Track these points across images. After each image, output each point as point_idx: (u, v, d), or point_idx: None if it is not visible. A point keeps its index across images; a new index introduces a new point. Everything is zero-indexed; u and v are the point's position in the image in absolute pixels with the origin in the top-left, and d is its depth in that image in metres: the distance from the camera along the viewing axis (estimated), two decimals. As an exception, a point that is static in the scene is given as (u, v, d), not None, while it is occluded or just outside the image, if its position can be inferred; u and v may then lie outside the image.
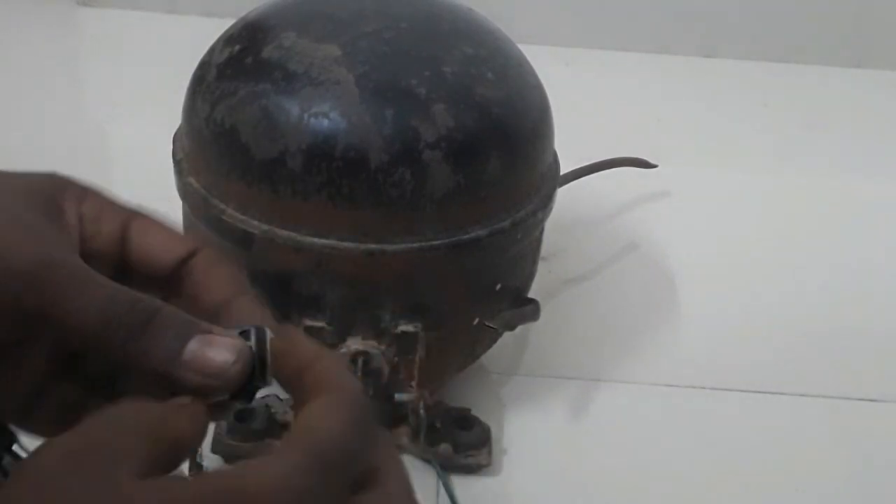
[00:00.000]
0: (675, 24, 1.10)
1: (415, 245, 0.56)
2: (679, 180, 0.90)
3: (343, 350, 0.57)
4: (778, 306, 0.78)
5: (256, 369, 0.33)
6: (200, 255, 0.36)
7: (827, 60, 1.09)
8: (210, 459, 0.59)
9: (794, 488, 0.64)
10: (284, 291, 0.58)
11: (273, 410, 0.61)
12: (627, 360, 0.73)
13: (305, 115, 0.55)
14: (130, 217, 0.36)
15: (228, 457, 0.60)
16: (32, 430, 0.35)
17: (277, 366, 0.33)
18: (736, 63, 1.09)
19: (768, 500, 0.64)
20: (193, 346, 0.33)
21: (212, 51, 0.60)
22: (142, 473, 0.31)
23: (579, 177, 0.80)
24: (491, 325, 0.61)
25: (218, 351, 0.33)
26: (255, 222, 0.56)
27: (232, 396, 0.33)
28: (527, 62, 0.62)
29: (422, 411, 0.60)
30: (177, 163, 0.61)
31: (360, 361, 0.57)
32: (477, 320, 0.61)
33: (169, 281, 0.36)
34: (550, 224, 0.64)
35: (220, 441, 0.60)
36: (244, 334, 0.33)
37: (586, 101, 0.95)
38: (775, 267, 0.82)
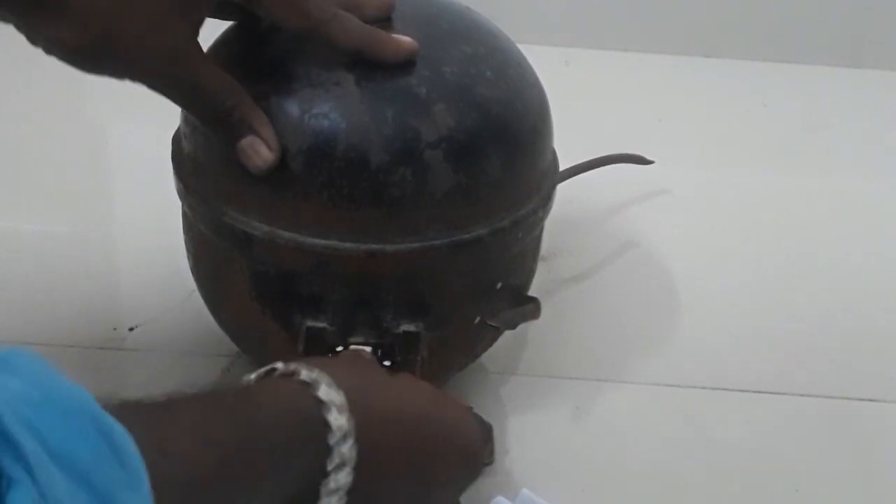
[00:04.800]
0: (675, 24, 1.10)
1: (416, 245, 0.56)
2: (679, 180, 0.90)
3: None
4: (778, 306, 0.78)
5: None
6: None
7: (827, 60, 1.09)
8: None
9: (793, 488, 0.64)
10: (285, 292, 0.58)
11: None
12: (627, 360, 0.73)
13: (306, 116, 0.55)
14: None
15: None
16: None
17: None
18: (736, 63, 1.09)
19: (768, 500, 0.64)
20: None
21: (211, 52, 0.60)
22: None
23: (576, 174, 0.80)
24: (492, 323, 0.61)
25: None
26: (256, 223, 0.56)
27: None
28: (526, 61, 0.62)
29: (422, 411, 0.60)
30: (177, 163, 0.61)
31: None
32: (478, 319, 0.61)
33: None
34: (550, 223, 0.64)
35: None
36: None
37: (586, 101, 0.95)
38: (775, 267, 0.82)
